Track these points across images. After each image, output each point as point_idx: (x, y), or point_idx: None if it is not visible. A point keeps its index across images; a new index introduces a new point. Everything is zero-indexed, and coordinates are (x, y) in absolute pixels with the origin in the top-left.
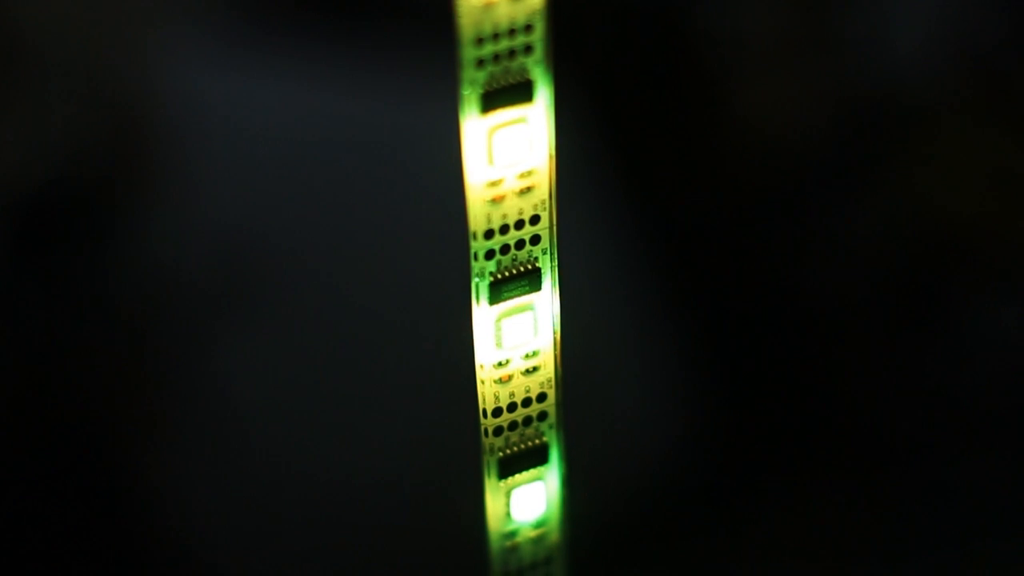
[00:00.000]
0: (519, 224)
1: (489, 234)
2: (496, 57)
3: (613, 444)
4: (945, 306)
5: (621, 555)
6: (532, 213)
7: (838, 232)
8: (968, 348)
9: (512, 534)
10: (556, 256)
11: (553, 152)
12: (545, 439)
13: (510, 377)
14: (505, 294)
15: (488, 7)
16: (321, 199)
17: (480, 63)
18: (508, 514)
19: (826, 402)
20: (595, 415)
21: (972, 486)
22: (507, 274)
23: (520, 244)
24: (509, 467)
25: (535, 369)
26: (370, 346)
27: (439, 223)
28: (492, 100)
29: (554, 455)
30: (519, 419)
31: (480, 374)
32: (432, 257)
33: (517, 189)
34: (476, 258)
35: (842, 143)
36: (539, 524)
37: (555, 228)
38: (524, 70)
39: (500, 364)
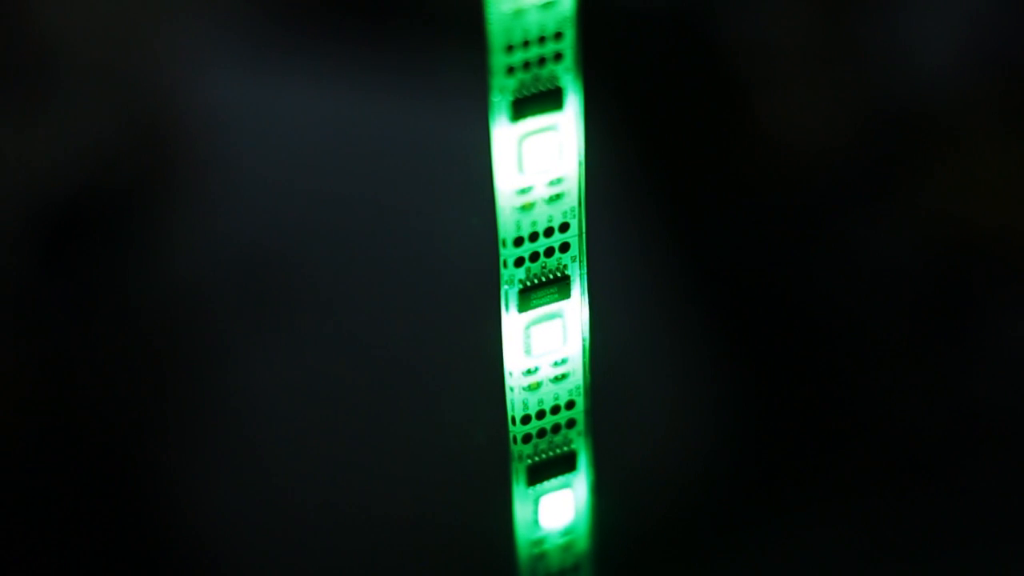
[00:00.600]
0: (548, 232)
1: (519, 241)
2: (526, 64)
3: (642, 452)
4: (971, 316)
5: (649, 563)
6: (562, 221)
7: (864, 241)
8: (994, 358)
9: (540, 541)
10: (585, 264)
11: (583, 159)
12: (574, 446)
13: (539, 384)
14: (534, 301)
15: (518, 14)
16: (347, 207)
17: (510, 70)
18: (536, 521)
19: (853, 410)
20: (625, 422)
21: (998, 494)
22: (536, 281)
23: (549, 251)
24: (537, 474)
25: (564, 376)
26: (396, 352)
27: (468, 230)
28: (522, 107)
29: (583, 462)
30: (548, 426)
31: (509, 381)
32: (461, 265)
33: (547, 196)
34: (505, 265)
35: (868, 152)
36: (567, 532)
37: (584, 236)
38: (554, 77)
39: (529, 371)
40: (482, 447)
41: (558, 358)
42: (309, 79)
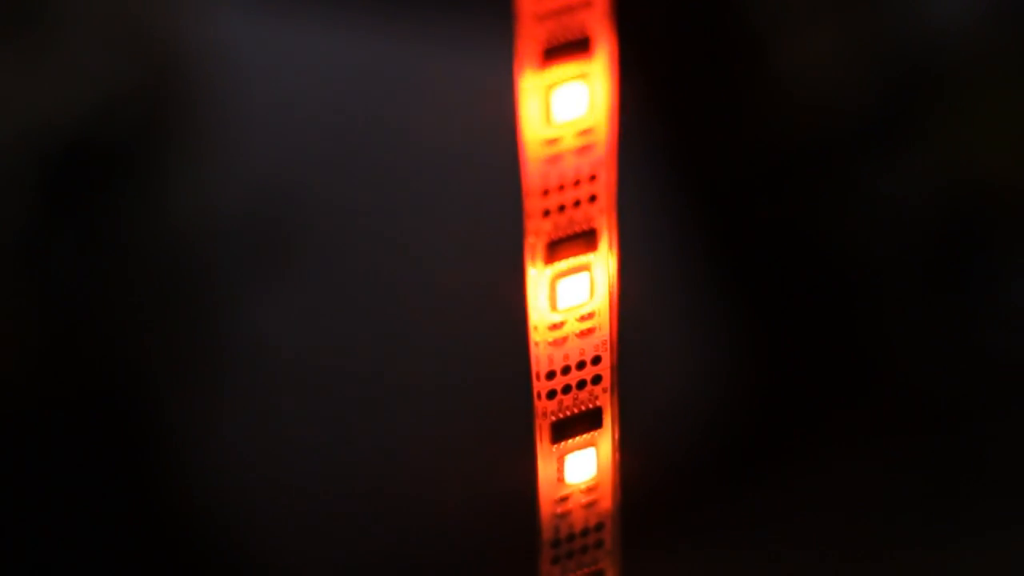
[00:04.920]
0: (576, 183)
1: (546, 193)
2: (555, 12)
3: (665, 407)
4: (985, 265)
5: (673, 520)
6: (590, 172)
7: (880, 189)
8: (1007, 307)
9: (563, 499)
10: (614, 215)
11: (614, 109)
12: (599, 403)
13: (565, 339)
14: (561, 253)
15: None
16: (363, 150)
17: (539, 18)
18: (560, 479)
19: (870, 362)
20: (648, 378)
21: (1011, 444)
22: (563, 235)
23: (577, 203)
24: (562, 431)
25: (590, 331)
26: (414, 303)
27: (491, 178)
28: (551, 56)
29: (608, 419)
30: (573, 382)
31: (534, 336)
32: (484, 214)
33: (575, 147)
34: (531, 217)
35: (883, 101)
36: (591, 489)
37: (614, 186)
38: (585, 26)
39: (554, 326)
40: None
41: (584, 312)
42: (323, 15)
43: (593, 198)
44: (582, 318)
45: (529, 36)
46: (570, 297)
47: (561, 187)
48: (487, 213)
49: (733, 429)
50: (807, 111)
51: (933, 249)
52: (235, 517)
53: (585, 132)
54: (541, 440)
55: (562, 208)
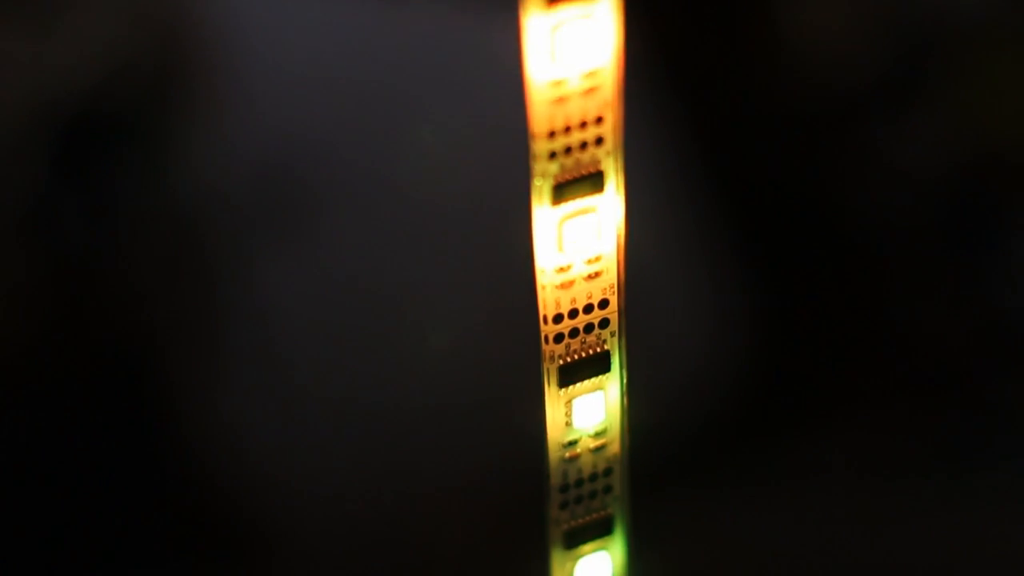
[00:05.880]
0: (583, 125)
1: (552, 135)
2: None
3: (674, 352)
4: (997, 228)
5: (681, 465)
6: (596, 114)
7: (891, 153)
8: (1019, 270)
9: (572, 444)
10: (621, 158)
11: (620, 50)
12: (607, 347)
13: (572, 283)
14: (568, 195)
15: None
16: (368, 110)
17: None
18: (568, 423)
19: (879, 322)
20: (655, 322)
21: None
22: (570, 176)
23: (584, 145)
24: (569, 375)
25: (597, 274)
26: (422, 247)
27: (498, 120)
28: None
29: (616, 363)
30: (580, 326)
31: (541, 279)
32: (490, 157)
33: (581, 89)
34: (538, 159)
35: (892, 63)
36: (599, 434)
37: (620, 129)
38: None
39: (561, 269)
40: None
41: (592, 255)
42: None
43: (600, 140)
44: (589, 261)
45: None
46: (577, 240)
47: (567, 129)
48: (494, 156)
49: (743, 374)
50: (815, 73)
51: (944, 211)
52: (242, 485)
53: (591, 74)
54: (549, 384)
55: (568, 150)
